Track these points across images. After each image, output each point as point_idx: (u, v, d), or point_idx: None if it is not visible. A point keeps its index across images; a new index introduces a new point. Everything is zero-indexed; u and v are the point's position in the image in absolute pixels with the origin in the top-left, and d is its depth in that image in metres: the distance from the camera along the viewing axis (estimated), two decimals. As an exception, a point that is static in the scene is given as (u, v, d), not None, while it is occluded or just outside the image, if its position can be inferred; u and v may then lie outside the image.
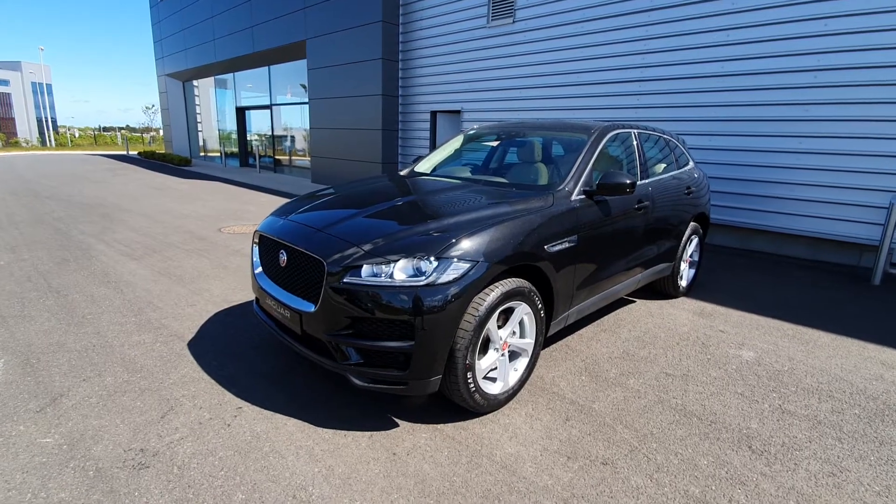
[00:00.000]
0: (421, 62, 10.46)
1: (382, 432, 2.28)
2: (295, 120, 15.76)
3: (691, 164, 4.60)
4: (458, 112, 10.02)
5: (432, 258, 2.16)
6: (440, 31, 9.90)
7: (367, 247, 2.23)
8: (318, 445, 2.16)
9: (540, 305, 2.53)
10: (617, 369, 2.98)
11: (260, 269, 2.80)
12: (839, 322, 3.90)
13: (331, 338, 2.20)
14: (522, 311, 2.46)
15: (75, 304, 3.76)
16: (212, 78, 19.84)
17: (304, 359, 2.96)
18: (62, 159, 21.51)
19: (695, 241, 4.45)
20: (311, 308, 2.26)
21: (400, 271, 2.14)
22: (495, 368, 2.46)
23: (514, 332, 2.51)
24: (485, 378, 2.41)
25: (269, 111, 16.52)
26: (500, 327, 2.42)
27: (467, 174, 3.75)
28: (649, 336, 3.52)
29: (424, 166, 3.97)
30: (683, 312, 4.04)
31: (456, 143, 4.21)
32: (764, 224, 6.30)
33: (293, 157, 16.29)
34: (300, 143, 15.85)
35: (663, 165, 4.11)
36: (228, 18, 15.44)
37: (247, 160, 18.95)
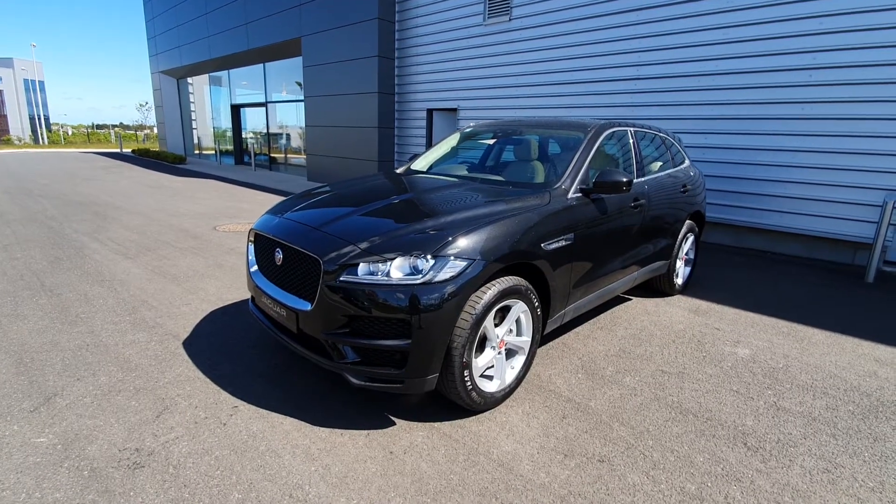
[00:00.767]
0: (417, 60, 10.42)
1: (379, 431, 2.28)
2: (290, 117, 15.67)
3: (687, 162, 4.61)
4: (454, 110, 10.00)
5: (429, 256, 2.15)
6: (436, 28, 9.88)
7: (363, 245, 2.22)
8: (314, 444, 2.16)
9: (536, 303, 2.53)
10: (613, 367, 2.99)
11: (256, 268, 2.78)
12: (834, 319, 3.93)
13: (327, 336, 2.19)
14: (519, 310, 2.46)
15: (69, 303, 3.73)
16: (206, 75, 19.71)
17: (300, 357, 2.95)
18: (55, 157, 21.31)
19: (690, 239, 4.47)
20: (308, 306, 2.26)
21: (396, 269, 2.14)
22: (492, 366, 2.46)
23: (510, 331, 2.51)
24: (481, 376, 2.41)
25: (264, 109, 16.43)
26: (496, 325, 2.42)
27: (464, 172, 3.74)
28: (645, 334, 3.53)
29: (421, 164, 3.96)
30: (679, 310, 4.05)
31: (452, 140, 4.20)
32: (759, 222, 6.33)
33: (289, 155, 16.20)
34: (296, 141, 15.77)
35: (659, 163, 4.12)
36: (222, 15, 15.32)
37: (242, 158, 18.85)
